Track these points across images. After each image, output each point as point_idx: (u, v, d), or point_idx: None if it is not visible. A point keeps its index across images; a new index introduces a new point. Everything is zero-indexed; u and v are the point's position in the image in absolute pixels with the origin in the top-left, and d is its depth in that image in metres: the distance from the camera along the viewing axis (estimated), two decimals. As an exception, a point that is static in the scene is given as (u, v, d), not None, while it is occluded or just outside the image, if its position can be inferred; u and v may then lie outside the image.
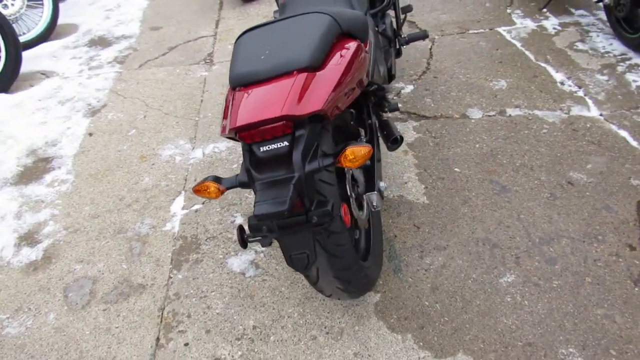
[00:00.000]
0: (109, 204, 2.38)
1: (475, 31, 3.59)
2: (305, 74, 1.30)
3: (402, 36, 2.61)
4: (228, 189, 1.32)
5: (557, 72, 2.97)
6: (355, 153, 1.23)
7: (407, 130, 2.65)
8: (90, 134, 2.92)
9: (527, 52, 3.23)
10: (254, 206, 1.18)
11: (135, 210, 2.33)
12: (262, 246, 1.28)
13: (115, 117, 3.05)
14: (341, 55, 1.43)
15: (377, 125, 2.08)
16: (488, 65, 3.15)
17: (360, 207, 1.69)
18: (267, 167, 1.25)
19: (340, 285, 1.50)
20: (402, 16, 2.66)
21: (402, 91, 2.99)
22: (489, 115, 2.69)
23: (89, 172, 2.61)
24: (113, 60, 3.76)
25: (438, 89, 2.97)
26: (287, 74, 1.30)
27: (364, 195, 1.67)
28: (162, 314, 1.85)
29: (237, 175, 1.33)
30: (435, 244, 1.99)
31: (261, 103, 1.24)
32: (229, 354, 1.69)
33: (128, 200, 2.39)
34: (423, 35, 2.60)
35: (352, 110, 1.56)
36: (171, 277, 1.98)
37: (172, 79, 3.43)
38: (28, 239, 2.24)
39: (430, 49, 3.43)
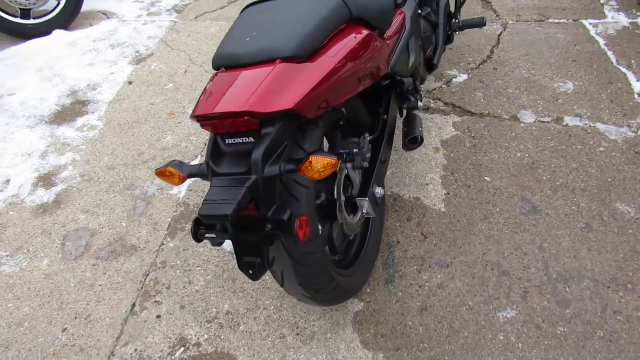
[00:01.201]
0: (127, 158, 2.39)
1: (557, 21, 3.19)
2: (287, 64, 1.16)
3: (457, 21, 2.35)
4: (190, 177, 1.23)
5: (638, 81, 2.58)
6: (318, 164, 1.10)
7: (446, 125, 2.42)
8: (130, 83, 2.94)
9: (609, 53, 2.82)
10: (202, 204, 1.09)
11: (149, 168, 2.32)
12: (212, 245, 1.20)
13: (157, 68, 3.04)
14: (342, 45, 1.27)
15: (397, 120, 1.90)
16: (559, 62, 2.79)
17: (353, 210, 1.55)
18: (227, 162, 1.15)
19: (306, 294, 1.40)
20: (460, -2, 2.39)
21: (454, 80, 2.73)
22: (543, 122, 2.39)
23: (118, 122, 2.63)
24: (172, 8, 3.75)
25: (494, 83, 2.68)
26: (268, 61, 1.17)
27: (356, 200, 1.53)
28: (144, 280, 1.84)
29: (201, 164, 1.24)
30: (439, 260, 1.81)
31: (229, 93, 1.13)
32: (195, 335, 1.65)
33: (146, 157, 2.39)
34: (479, 23, 2.33)
35: (343, 108, 1.40)
36: (164, 244, 1.97)
37: (223, 36, 3.36)
38: (46, 180, 2.31)
39: (500, 35, 3.10)
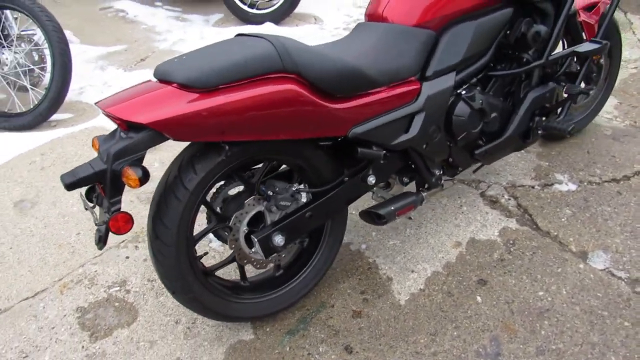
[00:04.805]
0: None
1: None
2: (176, 89, 1.32)
3: (542, 119, 1.99)
4: None
5: None
6: (127, 174, 1.26)
7: (492, 227, 2.10)
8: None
9: None
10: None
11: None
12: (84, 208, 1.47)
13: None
14: (248, 90, 1.35)
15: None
16: None
17: (253, 245, 1.60)
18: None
19: (167, 288, 1.56)
20: (559, 93, 1.99)
21: (555, 186, 2.30)
22: (612, 274, 1.86)
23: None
24: (366, 28, 4.01)
25: (599, 208, 2.16)
26: (169, 82, 1.36)
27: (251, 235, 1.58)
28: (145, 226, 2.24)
29: None
30: (349, 342, 1.69)
31: (120, 95, 1.36)
32: (133, 284, 1.96)
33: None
34: (564, 129, 1.92)
35: (226, 145, 1.44)
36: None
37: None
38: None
39: (670, 158, 2.42)
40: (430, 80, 1.72)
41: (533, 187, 2.31)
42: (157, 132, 1.31)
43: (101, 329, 1.80)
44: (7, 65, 2.90)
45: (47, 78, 2.94)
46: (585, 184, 2.31)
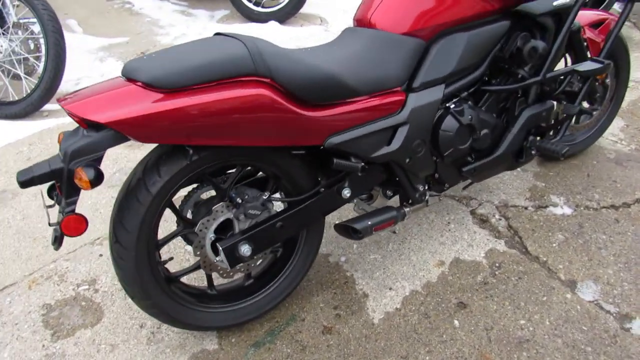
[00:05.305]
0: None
1: None
2: (140, 88, 1.26)
3: (537, 138, 1.90)
4: None
5: None
6: (79, 176, 1.20)
7: (479, 247, 2.01)
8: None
9: None
10: None
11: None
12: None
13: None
14: (215, 92, 1.29)
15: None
16: None
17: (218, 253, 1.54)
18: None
19: (126, 292, 1.50)
20: (559, 111, 1.90)
21: (550, 208, 2.20)
22: (600, 307, 1.76)
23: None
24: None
25: (594, 236, 2.06)
26: (133, 80, 1.30)
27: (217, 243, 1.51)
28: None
29: None
30: (317, 359, 1.62)
31: (87, 93, 1.30)
32: (103, 283, 1.90)
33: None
34: (556, 151, 1.83)
35: (190, 149, 1.37)
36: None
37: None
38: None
39: (675, 187, 2.30)
40: (416, 92, 1.64)
41: (526, 208, 2.21)
42: (118, 132, 1.25)
43: (64, 328, 1.75)
44: (1, 52, 2.87)
45: (41, 67, 2.90)
46: (582, 208, 2.20)
